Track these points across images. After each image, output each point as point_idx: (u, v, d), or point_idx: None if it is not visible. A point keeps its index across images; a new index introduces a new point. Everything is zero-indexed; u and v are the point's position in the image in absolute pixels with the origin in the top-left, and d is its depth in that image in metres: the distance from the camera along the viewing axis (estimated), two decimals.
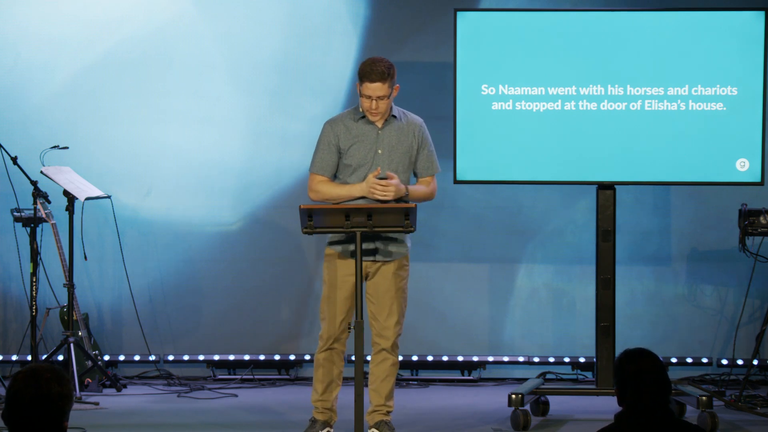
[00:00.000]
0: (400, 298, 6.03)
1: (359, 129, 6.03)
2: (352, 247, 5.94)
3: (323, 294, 6.09)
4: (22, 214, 7.52)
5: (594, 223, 6.90)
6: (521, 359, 8.05)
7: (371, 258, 5.98)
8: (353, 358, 5.77)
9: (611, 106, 6.75)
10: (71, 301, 7.43)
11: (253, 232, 8.12)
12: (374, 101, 5.93)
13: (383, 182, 5.87)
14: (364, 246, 5.90)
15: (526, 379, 7.27)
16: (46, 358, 7.44)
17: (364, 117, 6.03)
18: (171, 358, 8.12)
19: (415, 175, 6.19)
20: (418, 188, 6.11)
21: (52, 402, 3.40)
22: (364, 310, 5.87)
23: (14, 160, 7.38)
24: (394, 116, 6.07)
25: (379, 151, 6.01)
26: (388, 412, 6.13)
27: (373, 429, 6.04)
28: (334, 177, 6.09)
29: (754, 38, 6.66)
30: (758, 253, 7.32)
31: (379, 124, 6.04)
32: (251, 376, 7.99)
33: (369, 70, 5.93)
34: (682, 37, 6.71)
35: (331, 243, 6.05)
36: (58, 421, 3.42)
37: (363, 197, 5.93)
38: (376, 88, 5.91)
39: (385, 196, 5.85)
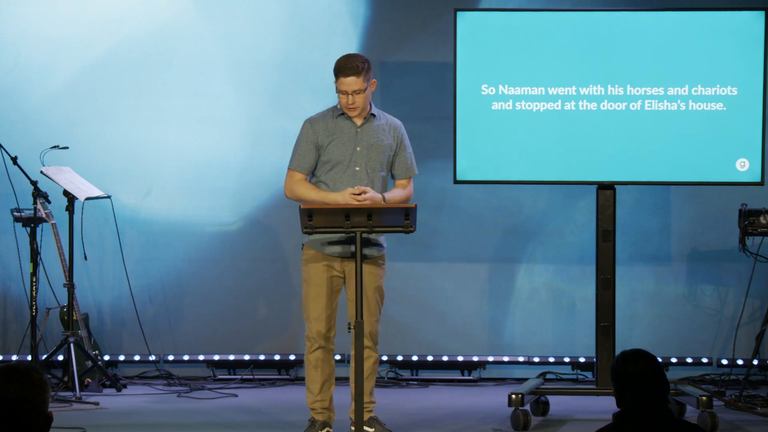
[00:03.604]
0: (379, 296, 6.10)
1: (338, 126, 6.10)
2: (331, 248, 6.02)
3: (305, 294, 6.13)
4: (22, 214, 7.53)
5: (594, 223, 6.90)
6: (521, 359, 8.05)
7: (350, 256, 6.05)
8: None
9: (611, 106, 6.75)
10: (71, 301, 7.43)
11: (253, 232, 8.13)
12: (350, 96, 6.00)
13: (360, 196, 5.91)
14: (342, 248, 6.01)
15: (526, 379, 7.27)
16: (46, 358, 7.44)
17: (343, 114, 6.08)
18: (171, 358, 8.12)
19: (393, 177, 6.22)
20: (395, 195, 6.16)
21: (36, 390, 3.41)
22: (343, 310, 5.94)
23: (14, 160, 7.38)
24: (374, 115, 6.12)
25: (358, 149, 6.06)
26: (372, 408, 6.18)
27: (364, 426, 6.04)
28: (312, 175, 6.16)
29: (754, 38, 6.66)
30: (758, 253, 7.31)
31: (358, 122, 6.09)
32: (251, 376, 7.99)
33: (343, 65, 6.02)
34: (682, 37, 6.71)
35: (309, 243, 6.10)
36: (44, 410, 3.43)
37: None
38: (351, 83, 5.98)
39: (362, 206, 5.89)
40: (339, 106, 6.11)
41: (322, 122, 6.12)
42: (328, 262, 6.07)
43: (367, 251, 6.02)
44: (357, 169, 6.05)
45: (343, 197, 5.93)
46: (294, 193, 6.12)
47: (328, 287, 6.07)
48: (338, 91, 6.03)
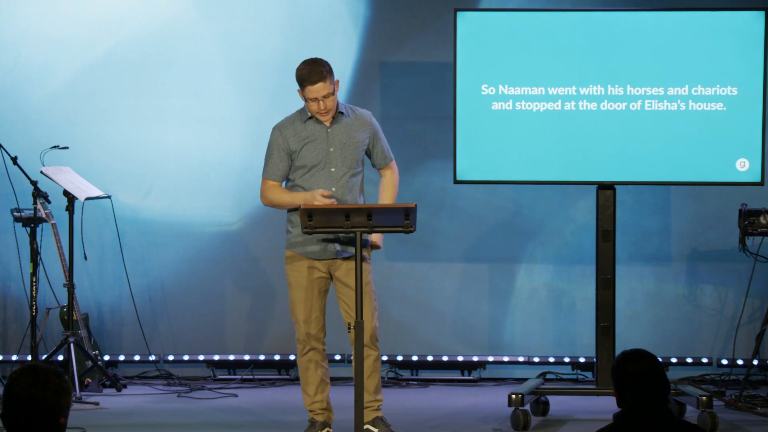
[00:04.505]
0: (370, 292, 6.06)
1: (308, 130, 6.08)
2: (311, 247, 6.03)
3: (291, 297, 6.13)
4: (22, 214, 7.53)
5: (594, 223, 6.90)
6: (521, 359, 8.05)
7: (332, 257, 6.05)
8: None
9: (611, 106, 6.75)
10: (71, 301, 7.43)
11: (253, 232, 8.13)
12: (320, 102, 5.98)
13: (327, 200, 5.92)
14: (321, 249, 6.02)
15: (526, 379, 7.27)
16: (46, 358, 7.44)
17: (311, 117, 6.08)
18: (171, 358, 8.12)
19: (374, 166, 6.25)
20: (387, 193, 6.22)
21: (49, 391, 3.39)
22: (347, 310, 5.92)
23: (14, 160, 7.38)
24: (341, 113, 6.11)
25: (331, 149, 6.06)
26: (379, 407, 6.15)
27: (368, 426, 6.04)
28: (287, 179, 6.15)
29: (754, 38, 6.66)
30: (758, 253, 7.31)
31: (328, 123, 6.07)
32: (251, 376, 7.99)
33: (308, 73, 5.99)
34: (682, 37, 6.71)
35: (290, 246, 6.10)
36: (56, 416, 3.41)
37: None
38: (319, 89, 5.96)
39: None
40: (308, 112, 6.09)
41: (291, 128, 6.10)
42: (310, 264, 6.08)
43: (351, 249, 6.03)
44: (333, 170, 6.05)
45: (313, 196, 5.93)
46: (268, 199, 6.16)
47: (313, 289, 6.08)
48: (307, 99, 6.01)
